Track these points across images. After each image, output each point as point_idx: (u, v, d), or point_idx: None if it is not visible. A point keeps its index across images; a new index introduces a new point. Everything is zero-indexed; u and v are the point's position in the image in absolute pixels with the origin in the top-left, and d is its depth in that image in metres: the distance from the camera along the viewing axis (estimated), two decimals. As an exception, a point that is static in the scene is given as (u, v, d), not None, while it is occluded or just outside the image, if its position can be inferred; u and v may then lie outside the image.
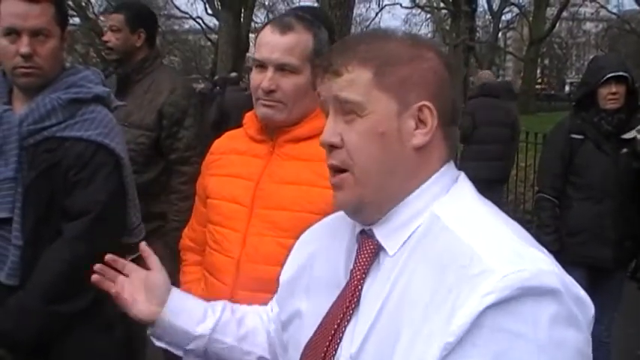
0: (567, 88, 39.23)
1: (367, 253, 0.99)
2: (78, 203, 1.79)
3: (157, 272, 1.22)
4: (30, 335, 1.74)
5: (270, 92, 1.60)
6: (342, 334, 0.97)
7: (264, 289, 1.55)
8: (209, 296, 1.68)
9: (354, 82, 0.96)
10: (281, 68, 1.60)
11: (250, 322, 1.25)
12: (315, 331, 1.02)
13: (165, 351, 1.23)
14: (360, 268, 0.99)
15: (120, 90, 2.86)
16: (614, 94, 3.10)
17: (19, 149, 1.78)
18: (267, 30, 1.63)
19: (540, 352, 0.79)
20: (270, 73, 1.60)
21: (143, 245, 1.25)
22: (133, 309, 1.19)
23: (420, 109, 0.95)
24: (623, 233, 3.17)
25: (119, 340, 1.91)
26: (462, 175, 1.01)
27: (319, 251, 1.11)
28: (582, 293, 0.85)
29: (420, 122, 0.96)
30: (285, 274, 1.20)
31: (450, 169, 1.00)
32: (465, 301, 0.80)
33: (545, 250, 0.88)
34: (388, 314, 0.91)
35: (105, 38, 3.03)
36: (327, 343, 0.98)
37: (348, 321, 0.97)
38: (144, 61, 2.95)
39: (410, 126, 0.95)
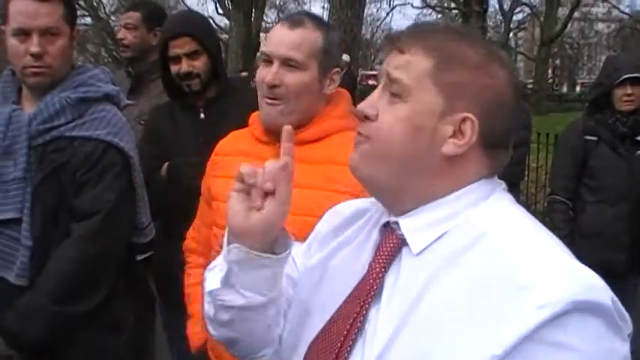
0: (578, 88, 38.97)
1: (389, 247, 0.95)
2: (86, 203, 1.77)
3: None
4: (38, 336, 1.73)
5: (273, 87, 1.59)
6: (358, 331, 0.92)
7: None
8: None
9: (410, 65, 0.92)
10: (286, 63, 1.59)
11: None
12: (326, 326, 0.96)
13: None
14: (380, 261, 0.95)
15: (133, 88, 2.86)
16: (629, 95, 3.06)
17: (28, 149, 1.77)
18: (278, 25, 1.65)
19: None
20: (275, 67, 1.59)
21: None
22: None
23: (463, 120, 0.91)
24: (636, 236, 3.12)
25: (128, 340, 1.90)
26: (503, 186, 0.97)
27: (351, 235, 1.06)
28: (624, 309, 0.84)
29: (459, 132, 0.91)
30: (324, 227, 1.13)
31: (489, 182, 0.95)
32: (513, 313, 0.79)
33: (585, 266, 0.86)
34: (418, 321, 0.86)
35: (120, 35, 3.03)
36: (342, 339, 0.92)
37: (364, 316, 0.92)
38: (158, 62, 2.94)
39: (446, 131, 0.91)
